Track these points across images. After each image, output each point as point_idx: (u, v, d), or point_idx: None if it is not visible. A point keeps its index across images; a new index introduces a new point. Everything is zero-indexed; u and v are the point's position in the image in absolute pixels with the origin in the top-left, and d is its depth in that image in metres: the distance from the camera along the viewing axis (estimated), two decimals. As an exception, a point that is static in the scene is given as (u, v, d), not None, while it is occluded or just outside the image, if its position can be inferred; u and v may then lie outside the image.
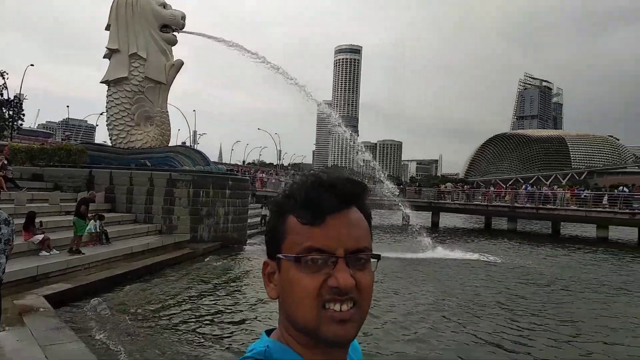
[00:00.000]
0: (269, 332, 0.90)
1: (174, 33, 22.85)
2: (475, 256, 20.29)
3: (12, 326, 7.59)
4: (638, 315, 11.63)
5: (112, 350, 7.79)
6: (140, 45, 21.73)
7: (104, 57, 22.64)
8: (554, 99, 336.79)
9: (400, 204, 26.94)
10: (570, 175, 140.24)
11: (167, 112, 23.61)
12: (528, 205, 34.54)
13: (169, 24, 22.37)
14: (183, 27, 22.98)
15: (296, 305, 0.82)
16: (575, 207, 32.35)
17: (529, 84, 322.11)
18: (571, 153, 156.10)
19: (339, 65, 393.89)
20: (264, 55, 25.66)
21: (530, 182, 69.63)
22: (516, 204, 35.28)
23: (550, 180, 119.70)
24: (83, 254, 13.10)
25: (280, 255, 0.85)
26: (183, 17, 22.54)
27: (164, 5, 22.47)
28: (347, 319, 0.80)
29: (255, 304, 11.34)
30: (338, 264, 0.81)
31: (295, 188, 0.88)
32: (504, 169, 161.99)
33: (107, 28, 22.33)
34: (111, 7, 22.28)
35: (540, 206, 33.64)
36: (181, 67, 23.27)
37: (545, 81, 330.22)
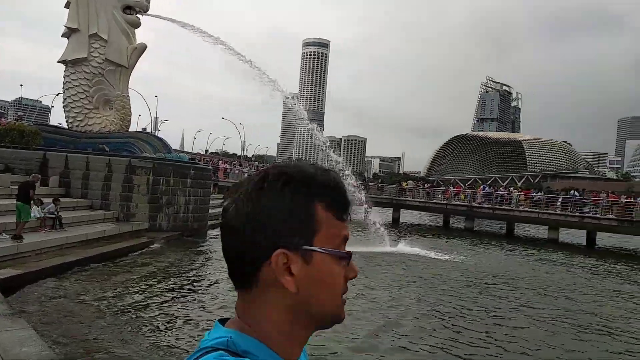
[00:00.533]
0: (222, 321, 0.85)
1: (138, 15, 22.19)
2: (431, 254, 20.84)
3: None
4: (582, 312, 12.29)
5: (60, 336, 7.59)
6: (102, 25, 21.03)
7: (62, 35, 21.76)
8: (513, 103, 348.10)
9: (363, 201, 27.28)
10: (525, 177, 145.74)
11: (128, 96, 22.95)
12: (485, 205, 35.66)
13: (133, 6, 21.73)
14: (147, 10, 22.39)
15: (332, 297, 0.84)
16: (529, 209, 33.67)
17: (491, 87, 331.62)
18: (527, 156, 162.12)
19: (306, 58, 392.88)
20: (227, 42, 25.27)
21: (488, 183, 71.85)
22: (474, 204, 36.35)
23: (506, 182, 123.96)
24: (22, 239, 12.33)
25: (319, 249, 0.82)
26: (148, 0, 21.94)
27: (128, -14, 21.79)
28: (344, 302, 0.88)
29: (204, 295, 11.27)
30: (352, 258, 0.86)
31: (325, 178, 0.85)
32: (464, 169, 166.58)
33: (67, 5, 21.45)
34: (72, -16, 21.40)
35: (497, 207, 34.79)
36: (144, 51, 22.67)
37: (505, 85, 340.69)
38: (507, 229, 36.91)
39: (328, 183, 0.85)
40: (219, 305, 10.48)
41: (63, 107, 22.32)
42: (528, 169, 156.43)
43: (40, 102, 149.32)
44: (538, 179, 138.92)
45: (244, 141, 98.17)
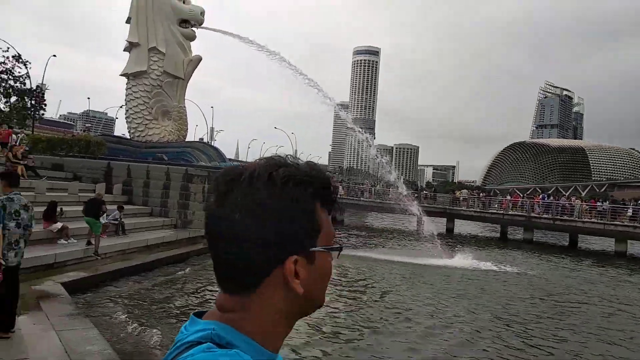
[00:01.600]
0: (198, 315, 0.84)
1: (193, 28, 23.09)
2: (488, 265, 20.07)
3: (30, 311, 7.74)
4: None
5: (122, 337, 7.91)
6: (160, 39, 22.03)
7: (124, 50, 23.01)
8: (575, 109, 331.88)
9: (415, 210, 26.82)
10: (590, 187, 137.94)
11: (184, 107, 23.88)
12: (545, 215, 34.03)
13: (188, 19, 22.63)
14: (202, 23, 23.24)
15: (325, 289, 0.87)
16: (594, 220, 31.78)
17: (550, 92, 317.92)
18: (591, 164, 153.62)
19: (356, 66, 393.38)
20: (282, 54, 25.78)
21: (549, 192, 68.64)
22: (533, 214, 34.77)
23: (569, 192, 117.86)
24: (92, 245, 12.91)
25: (321, 248, 0.82)
26: (202, 13, 22.79)
27: (184, 1, 22.74)
28: None
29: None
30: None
31: (322, 177, 0.85)
32: (522, 178, 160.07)
33: (128, 21, 22.69)
34: (132, 1, 22.60)
35: (558, 217, 33.11)
36: (199, 62, 23.52)
37: (566, 90, 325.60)
38: (569, 241, 34.99)
39: (324, 181, 0.85)
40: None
41: (125, 118, 23.54)
42: (593, 178, 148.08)
43: (106, 113, 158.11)
44: (604, 188, 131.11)
45: (295, 150, 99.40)
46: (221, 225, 0.80)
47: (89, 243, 13.02)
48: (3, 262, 5.46)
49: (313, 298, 0.84)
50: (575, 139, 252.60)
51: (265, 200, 0.79)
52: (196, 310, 0.86)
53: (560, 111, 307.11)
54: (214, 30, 24.66)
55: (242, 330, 0.79)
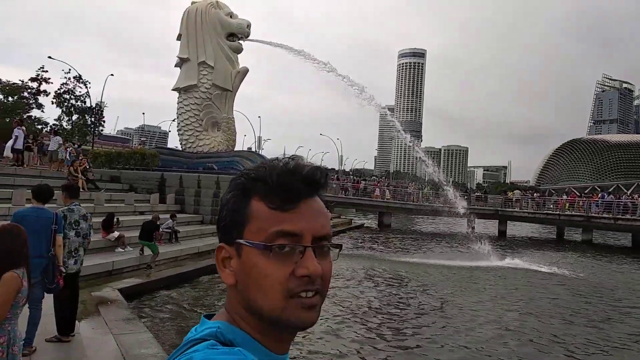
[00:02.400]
0: (208, 317, 0.86)
1: (240, 41, 23.73)
2: (544, 268, 19.27)
3: (89, 316, 8.21)
4: None
5: (174, 340, 8.23)
6: (209, 53, 22.79)
7: (175, 65, 23.97)
8: (636, 102, 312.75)
9: (464, 213, 26.23)
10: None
11: (233, 118, 24.55)
12: (605, 215, 32.27)
13: (236, 33, 23.28)
14: (248, 35, 23.84)
15: (263, 294, 0.80)
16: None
17: (608, 86, 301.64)
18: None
19: (401, 69, 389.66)
20: (330, 62, 26.09)
21: (609, 190, 65.02)
22: (592, 214, 33.07)
23: (631, 189, 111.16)
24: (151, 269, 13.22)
25: (242, 241, 0.82)
26: (248, 26, 23.38)
27: (231, 15, 23.42)
28: (314, 305, 0.81)
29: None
30: (307, 252, 0.80)
31: (263, 171, 0.85)
32: (580, 176, 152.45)
33: (178, 38, 23.64)
34: (182, 18, 23.57)
35: (619, 217, 31.30)
36: (246, 74, 24.13)
37: (625, 82, 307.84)
38: (632, 242, 33.01)
39: (264, 175, 0.84)
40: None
41: (177, 130, 24.50)
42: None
43: (160, 127, 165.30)
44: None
45: (341, 156, 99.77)
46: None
47: (142, 251, 13.61)
48: (64, 270, 5.83)
49: (249, 298, 0.81)
50: (637, 133, 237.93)
51: (222, 198, 0.91)
52: (207, 313, 0.89)
53: (620, 105, 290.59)
54: (260, 41, 25.27)
55: (240, 326, 0.82)
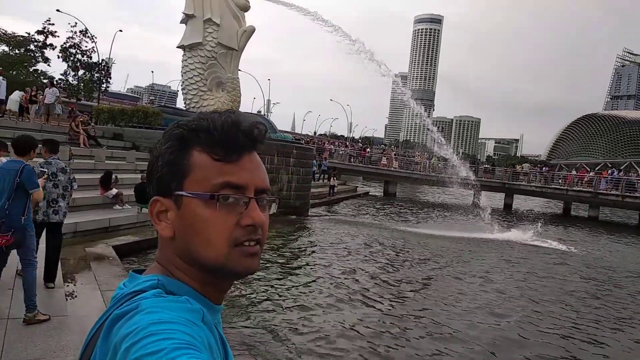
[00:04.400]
0: (138, 272, 0.85)
1: (247, -1, 23.00)
2: (546, 243, 19.12)
3: (80, 271, 8.19)
4: None
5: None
6: (215, 10, 22.13)
7: (181, 22, 23.35)
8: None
9: (470, 185, 25.98)
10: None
11: (238, 78, 24.07)
12: (614, 192, 31.83)
13: (243, -10, 22.53)
14: (257, -7, 23.05)
15: (207, 243, 0.80)
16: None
17: (628, 60, 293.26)
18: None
19: (417, 35, 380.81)
20: (340, 26, 25.34)
21: (622, 167, 64.09)
22: (599, 190, 32.61)
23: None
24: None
25: (184, 193, 0.81)
26: (256, -17, 22.57)
27: (238, -29, 22.62)
28: (256, 253, 0.83)
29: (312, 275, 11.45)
30: (251, 203, 0.82)
31: (205, 123, 0.83)
32: (593, 152, 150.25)
33: (184, -7, 22.93)
34: (188, -27, 22.77)
35: (627, 194, 30.84)
36: (253, 33, 23.47)
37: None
38: (639, 220, 32.67)
39: (207, 126, 0.82)
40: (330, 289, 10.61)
41: (181, 89, 24.13)
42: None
43: (170, 87, 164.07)
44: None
45: (350, 123, 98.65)
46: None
47: (141, 210, 13.55)
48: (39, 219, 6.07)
49: (189, 248, 0.81)
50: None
51: (155, 149, 0.86)
52: (135, 268, 0.87)
53: (639, 81, 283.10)
54: (269, 0, 24.49)
55: (177, 277, 0.82)
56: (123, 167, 17.19)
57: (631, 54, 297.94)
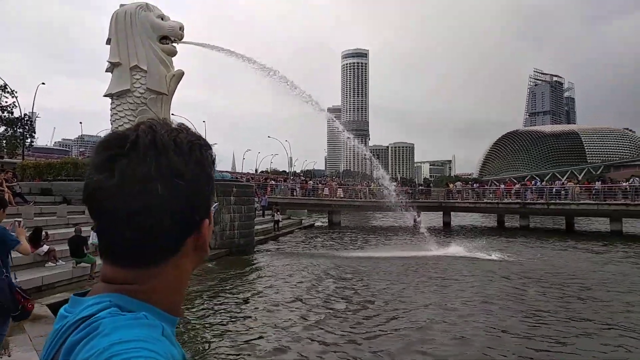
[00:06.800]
0: (80, 295, 0.80)
1: (173, 44, 23.13)
2: (481, 254, 20.13)
3: (12, 334, 7.74)
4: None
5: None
6: (141, 57, 22.05)
7: (106, 70, 23.03)
8: (566, 94, 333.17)
9: (409, 207, 26.94)
10: (586, 170, 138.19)
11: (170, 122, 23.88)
12: (540, 201, 34.14)
13: (168, 35, 22.65)
14: (182, 38, 23.25)
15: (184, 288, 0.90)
16: (587, 201, 31.87)
17: (540, 80, 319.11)
18: (586, 148, 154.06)
19: (346, 69, 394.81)
20: (266, 64, 25.86)
21: (546, 178, 68.84)
22: (527, 200, 34.88)
23: (566, 176, 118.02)
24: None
25: (214, 207, 0.91)
26: (181, 28, 22.79)
27: (162, 17, 22.75)
28: None
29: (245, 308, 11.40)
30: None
31: (202, 137, 0.86)
32: (519, 166, 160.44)
33: (108, 42, 22.69)
34: (110, 21, 22.60)
35: (552, 202, 33.20)
36: (182, 77, 23.54)
37: (555, 76, 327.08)
38: (566, 224, 35.08)
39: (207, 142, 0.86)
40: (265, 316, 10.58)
41: (112, 138, 23.52)
42: (588, 161, 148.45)
43: (100, 136, 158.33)
44: (600, 170, 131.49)
45: (290, 157, 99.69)
46: (123, 199, 0.72)
47: (77, 263, 13.01)
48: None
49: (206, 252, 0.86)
50: (568, 123, 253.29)
51: (179, 168, 0.75)
52: (78, 292, 0.82)
53: (552, 97, 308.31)
54: (195, 44, 24.68)
55: (145, 300, 0.76)
56: (53, 222, 16.43)
57: (541, 73, 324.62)
